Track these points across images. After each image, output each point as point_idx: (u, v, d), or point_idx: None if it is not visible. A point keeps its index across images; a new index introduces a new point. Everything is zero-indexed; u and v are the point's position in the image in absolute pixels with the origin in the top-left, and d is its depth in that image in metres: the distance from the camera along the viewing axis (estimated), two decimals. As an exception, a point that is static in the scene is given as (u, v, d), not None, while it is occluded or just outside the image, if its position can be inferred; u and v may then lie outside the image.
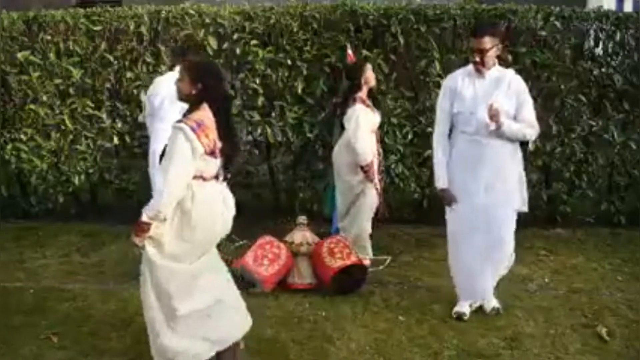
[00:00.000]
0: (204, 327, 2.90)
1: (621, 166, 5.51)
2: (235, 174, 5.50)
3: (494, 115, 3.37)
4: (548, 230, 5.38)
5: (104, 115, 5.44)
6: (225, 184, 2.95)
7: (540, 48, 5.26)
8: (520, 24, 5.21)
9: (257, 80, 5.30)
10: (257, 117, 5.38)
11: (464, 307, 3.69)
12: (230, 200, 2.96)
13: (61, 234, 5.31)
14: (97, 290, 4.08)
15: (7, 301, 3.93)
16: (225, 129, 2.79)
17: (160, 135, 3.62)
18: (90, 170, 5.54)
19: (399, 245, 4.98)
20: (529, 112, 3.53)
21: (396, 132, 5.26)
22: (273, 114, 5.42)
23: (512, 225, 3.63)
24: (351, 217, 4.46)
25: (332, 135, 5.05)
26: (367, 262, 4.48)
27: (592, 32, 5.37)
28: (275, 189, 5.81)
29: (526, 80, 3.72)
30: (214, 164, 2.80)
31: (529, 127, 3.53)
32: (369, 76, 4.39)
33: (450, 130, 3.64)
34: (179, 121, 2.72)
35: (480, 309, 3.74)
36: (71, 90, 5.40)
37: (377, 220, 4.55)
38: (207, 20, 5.32)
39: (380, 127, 4.70)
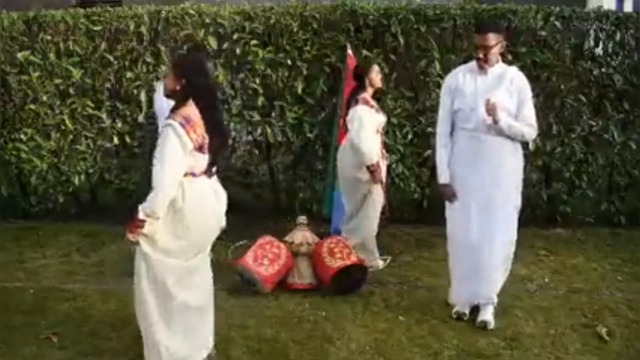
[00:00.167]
0: (198, 326, 2.95)
1: (621, 166, 5.51)
2: (235, 174, 5.54)
3: (490, 110, 3.35)
4: (548, 230, 5.38)
5: (104, 115, 5.44)
6: (216, 178, 2.95)
7: (540, 48, 5.26)
8: (520, 24, 5.21)
9: (257, 80, 5.30)
10: (257, 117, 5.38)
11: (464, 308, 3.69)
12: (222, 194, 2.96)
13: (61, 234, 5.31)
14: (97, 290, 4.08)
15: (7, 301, 3.93)
16: (212, 124, 2.78)
17: None
18: (90, 170, 5.54)
19: (399, 245, 4.97)
20: (529, 110, 3.50)
21: (396, 132, 5.26)
22: (273, 114, 5.42)
23: (513, 225, 3.60)
24: (358, 219, 4.44)
25: (332, 135, 5.06)
26: (379, 263, 4.48)
27: (592, 32, 5.37)
28: (275, 189, 5.81)
29: (526, 80, 3.73)
30: (203, 160, 2.81)
31: (528, 126, 3.49)
32: (374, 77, 4.34)
33: (453, 127, 3.62)
34: (168, 117, 2.74)
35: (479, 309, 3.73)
36: (71, 90, 5.40)
37: (382, 220, 4.53)
38: (207, 20, 5.32)
39: (381, 127, 4.71)
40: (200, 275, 2.95)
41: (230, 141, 5.63)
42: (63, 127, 5.41)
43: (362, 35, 5.29)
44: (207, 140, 2.77)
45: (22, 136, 5.51)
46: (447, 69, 5.07)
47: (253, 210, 5.54)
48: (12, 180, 5.76)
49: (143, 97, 5.29)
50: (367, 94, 4.32)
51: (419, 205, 5.54)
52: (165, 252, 2.79)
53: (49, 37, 5.42)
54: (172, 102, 2.86)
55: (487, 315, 3.59)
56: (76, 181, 5.50)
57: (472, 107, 3.45)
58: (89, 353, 3.26)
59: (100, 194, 5.84)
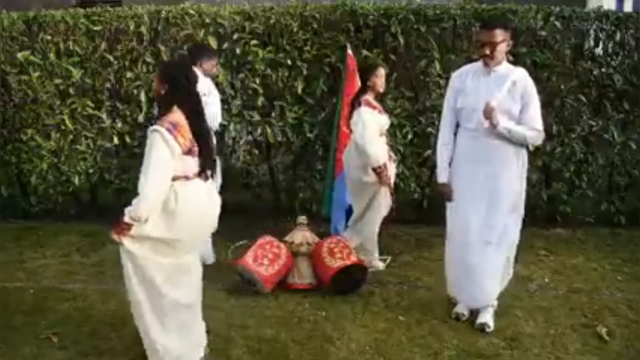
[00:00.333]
0: (191, 324, 3.00)
1: (621, 166, 5.51)
2: (235, 174, 5.54)
3: (487, 113, 3.29)
4: (548, 230, 5.38)
5: (104, 115, 5.44)
6: (211, 182, 2.97)
7: (540, 48, 5.26)
8: (520, 24, 5.21)
9: (257, 80, 5.30)
10: (257, 117, 5.38)
11: (463, 309, 3.67)
12: (215, 197, 2.99)
13: (61, 234, 5.31)
14: (97, 290, 4.08)
15: (7, 301, 3.93)
16: (197, 129, 2.80)
17: None
18: (90, 170, 5.54)
19: (399, 245, 4.97)
20: (533, 114, 3.38)
21: (396, 132, 5.26)
22: (273, 114, 5.42)
23: (513, 229, 3.53)
24: (365, 219, 4.44)
25: (332, 135, 5.06)
26: (379, 264, 4.48)
27: (592, 32, 5.37)
28: (275, 189, 5.81)
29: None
30: (194, 163, 2.83)
31: (532, 131, 3.38)
32: (376, 82, 4.29)
33: (458, 126, 3.57)
34: (155, 123, 2.77)
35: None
36: (71, 90, 5.40)
37: (387, 221, 4.52)
38: (207, 20, 5.32)
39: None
40: (190, 274, 2.98)
41: (230, 141, 5.65)
42: (63, 127, 5.41)
43: (362, 35, 5.28)
44: (195, 144, 2.80)
45: (22, 136, 5.51)
46: (447, 69, 5.10)
47: (253, 210, 5.54)
48: (12, 180, 5.76)
49: (143, 97, 5.29)
50: (370, 96, 4.30)
51: (419, 205, 5.54)
52: (154, 250, 2.82)
53: (49, 37, 5.41)
54: None
55: (486, 317, 3.58)
56: (76, 181, 5.50)
57: (473, 107, 3.39)
58: (89, 353, 3.26)
59: (100, 194, 5.84)
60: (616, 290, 4.15)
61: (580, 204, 5.59)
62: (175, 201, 2.75)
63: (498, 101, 3.31)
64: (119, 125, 5.43)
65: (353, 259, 4.05)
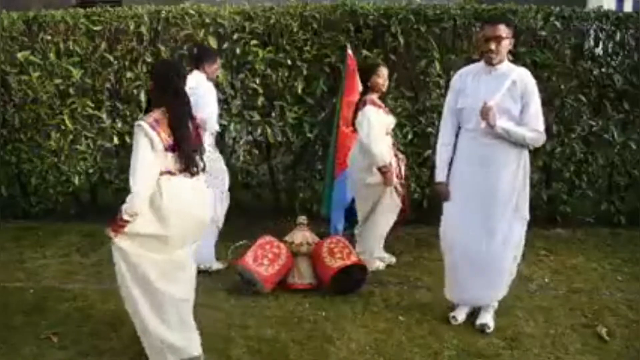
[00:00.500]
0: (189, 319, 3.03)
1: (621, 166, 5.51)
2: (235, 174, 5.54)
3: (484, 113, 3.25)
4: (548, 230, 5.37)
5: (104, 115, 5.44)
6: (199, 178, 2.98)
7: (540, 48, 5.26)
8: (520, 24, 5.21)
9: (257, 80, 5.30)
10: (257, 117, 5.39)
11: (460, 313, 3.64)
12: (204, 194, 3.01)
13: (61, 234, 5.31)
14: (97, 290, 4.08)
15: (7, 301, 3.93)
16: (175, 125, 2.83)
17: None
18: (90, 170, 5.54)
19: (399, 245, 4.97)
20: (534, 115, 3.32)
21: (396, 132, 5.24)
22: (273, 114, 5.42)
23: (519, 232, 3.50)
24: (370, 222, 4.43)
25: (331, 135, 5.05)
26: (379, 264, 4.47)
27: (592, 32, 5.37)
28: (275, 189, 5.81)
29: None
30: (177, 159, 2.87)
31: (532, 132, 3.32)
32: (378, 81, 4.27)
33: (459, 128, 3.55)
34: (140, 119, 2.86)
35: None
36: (71, 90, 5.40)
37: (399, 222, 4.51)
38: (207, 20, 5.32)
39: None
40: (184, 270, 3.00)
41: (230, 141, 5.65)
42: (63, 127, 5.41)
43: (362, 35, 5.29)
44: None
45: (22, 136, 5.51)
46: (447, 69, 5.10)
47: (253, 210, 5.54)
48: (12, 180, 5.76)
49: (143, 97, 5.29)
50: (374, 96, 4.30)
51: (419, 205, 5.54)
52: (146, 247, 2.85)
53: (49, 37, 5.42)
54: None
55: (486, 318, 3.57)
56: (76, 181, 5.50)
57: (472, 107, 3.35)
58: (89, 353, 3.26)
59: (100, 194, 5.84)
60: (616, 290, 4.15)
61: (580, 204, 5.59)
62: (160, 196, 2.82)
63: (496, 101, 3.27)
64: (119, 125, 5.43)
65: (353, 259, 4.05)
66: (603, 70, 5.33)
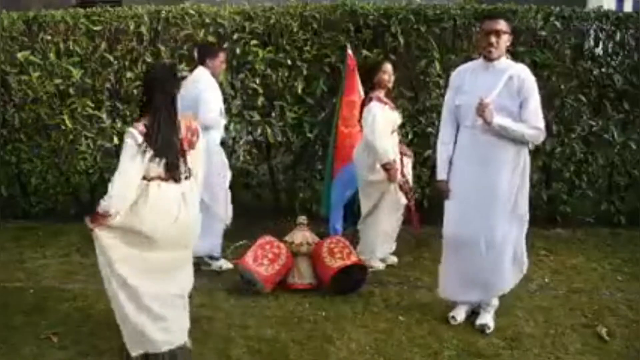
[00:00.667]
0: (176, 315, 3.03)
1: (621, 166, 5.51)
2: (235, 174, 5.54)
3: (480, 110, 3.24)
4: (548, 230, 5.37)
5: (104, 115, 5.44)
6: (189, 184, 2.99)
7: (540, 48, 5.26)
8: (520, 24, 5.21)
9: (257, 80, 5.30)
10: (257, 117, 5.39)
11: (458, 314, 3.63)
12: (193, 201, 3.01)
13: (61, 234, 5.31)
14: (97, 290, 4.05)
15: (7, 301, 3.93)
16: (157, 131, 2.83)
17: None
18: (90, 170, 5.54)
19: (399, 245, 4.96)
20: (532, 111, 3.29)
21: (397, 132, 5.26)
22: (273, 114, 5.42)
23: (514, 234, 3.49)
24: (373, 217, 4.43)
25: (331, 135, 5.06)
26: (379, 264, 4.47)
27: (592, 32, 5.37)
28: (275, 189, 5.81)
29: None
30: (163, 165, 2.88)
31: (531, 129, 3.29)
32: (383, 77, 4.28)
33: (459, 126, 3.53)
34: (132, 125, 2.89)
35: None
36: (71, 90, 5.40)
37: (409, 221, 4.51)
38: (207, 20, 5.32)
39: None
40: (181, 270, 3.05)
41: (230, 141, 5.65)
42: (63, 127, 5.41)
43: (362, 35, 5.29)
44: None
45: (22, 136, 5.51)
46: (447, 69, 5.09)
47: (253, 210, 5.54)
48: (12, 180, 5.76)
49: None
50: (380, 93, 4.30)
51: (419, 205, 5.53)
52: (127, 242, 2.89)
53: (49, 37, 5.42)
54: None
55: (486, 318, 3.57)
56: (76, 181, 5.49)
57: (470, 104, 3.33)
58: (89, 353, 3.26)
59: (100, 194, 5.76)
60: (616, 290, 4.14)
61: (580, 204, 5.58)
62: (145, 199, 2.85)
63: (493, 98, 3.25)
64: (119, 125, 5.43)
65: (353, 259, 4.05)
66: (603, 70, 5.33)
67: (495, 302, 3.64)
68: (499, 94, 3.27)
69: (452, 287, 3.67)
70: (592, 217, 5.57)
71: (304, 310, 3.82)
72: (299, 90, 5.32)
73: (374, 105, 4.21)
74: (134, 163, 2.81)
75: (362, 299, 3.96)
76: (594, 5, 6.25)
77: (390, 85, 4.39)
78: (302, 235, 4.20)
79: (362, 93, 4.80)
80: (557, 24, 5.23)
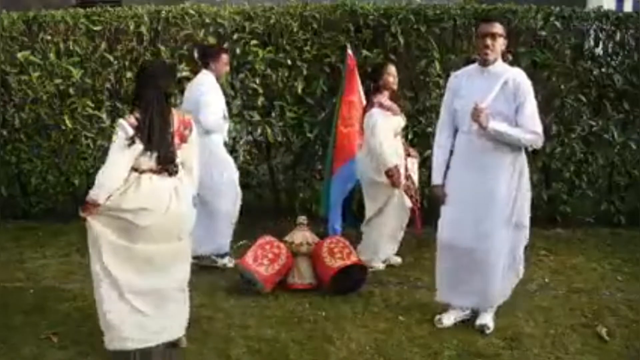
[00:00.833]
0: (177, 309, 3.05)
1: (621, 166, 5.51)
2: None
3: (475, 115, 3.22)
4: (548, 230, 5.37)
5: (104, 115, 5.44)
6: (181, 177, 3.01)
7: (540, 48, 5.26)
8: (520, 24, 5.21)
9: (257, 80, 5.30)
10: (257, 117, 5.39)
11: (447, 318, 3.60)
12: (185, 195, 3.03)
13: (61, 234, 5.31)
14: (97, 290, 4.08)
15: (7, 301, 3.93)
16: (147, 125, 2.88)
17: None
18: (90, 171, 5.53)
19: (400, 246, 4.96)
20: (529, 116, 3.27)
21: (397, 133, 5.25)
22: (273, 114, 5.43)
23: (511, 242, 3.47)
24: (378, 220, 4.42)
25: (331, 135, 5.05)
26: (379, 264, 4.47)
27: (592, 32, 5.37)
28: (275, 189, 5.81)
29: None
30: (155, 158, 2.92)
31: (528, 133, 3.27)
32: (388, 79, 4.28)
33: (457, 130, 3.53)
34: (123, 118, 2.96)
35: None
36: (71, 90, 5.40)
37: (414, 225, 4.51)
38: (207, 20, 5.32)
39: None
40: (178, 262, 3.05)
41: (230, 141, 5.64)
42: (63, 127, 5.41)
43: (362, 35, 5.29)
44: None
45: (22, 136, 5.51)
46: (447, 69, 5.09)
47: (253, 210, 5.53)
48: (12, 180, 5.76)
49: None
50: (383, 97, 4.29)
51: (420, 206, 5.53)
52: (118, 234, 2.92)
53: (49, 37, 5.42)
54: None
55: (486, 319, 3.56)
56: (76, 181, 5.50)
57: (466, 109, 3.32)
58: (89, 353, 3.26)
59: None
60: (616, 290, 4.14)
61: (580, 204, 5.58)
62: (135, 191, 2.88)
63: (488, 103, 3.23)
64: (119, 125, 5.42)
65: (353, 259, 4.05)
66: (603, 70, 5.33)
67: (493, 305, 3.63)
68: (495, 98, 3.26)
69: (446, 291, 3.64)
70: (592, 217, 5.57)
71: (304, 310, 3.82)
72: (299, 90, 5.32)
73: (375, 112, 4.22)
74: (122, 155, 2.86)
75: (362, 299, 3.96)
76: (594, 5, 6.25)
77: (395, 87, 4.38)
78: (302, 235, 4.20)
79: (362, 93, 4.80)
80: (557, 24, 5.23)
